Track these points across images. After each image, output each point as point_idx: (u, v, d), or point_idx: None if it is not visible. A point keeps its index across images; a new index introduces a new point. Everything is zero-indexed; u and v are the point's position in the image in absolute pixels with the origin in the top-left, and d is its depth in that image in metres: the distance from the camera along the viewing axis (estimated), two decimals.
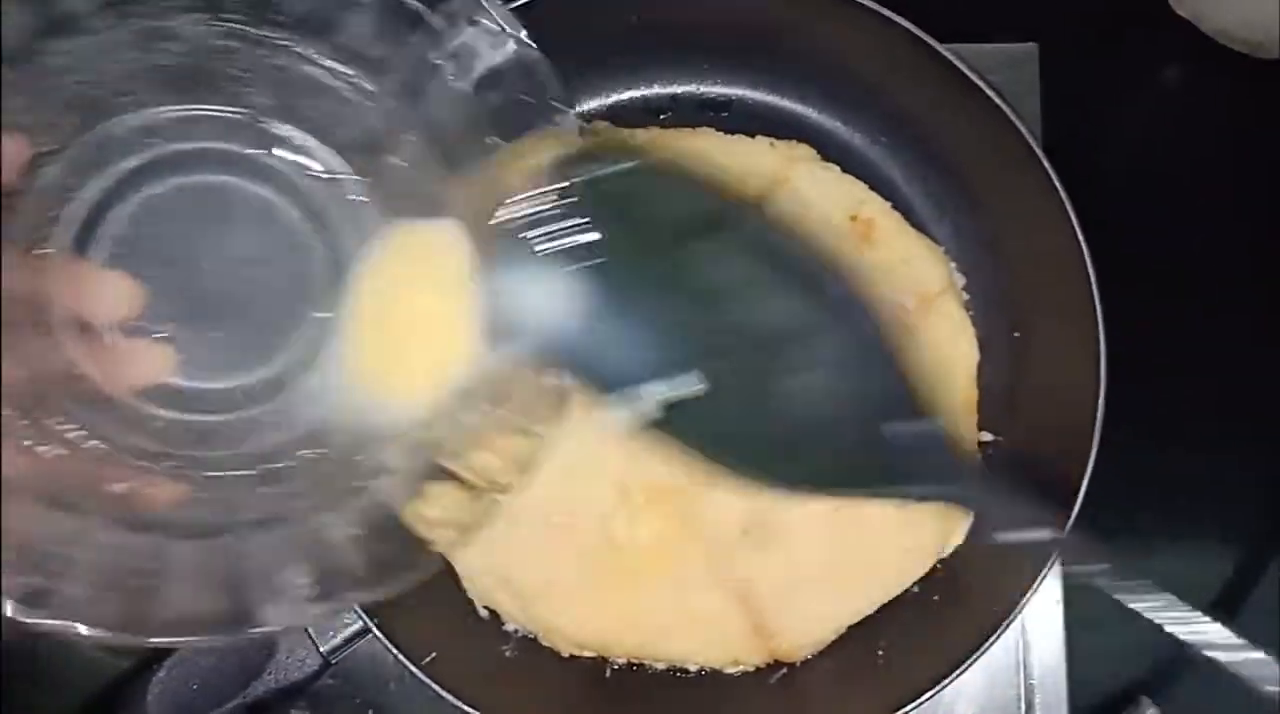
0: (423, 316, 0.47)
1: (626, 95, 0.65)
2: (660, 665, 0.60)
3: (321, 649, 0.55)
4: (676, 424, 0.44)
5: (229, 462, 0.45)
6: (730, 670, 0.59)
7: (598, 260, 0.43)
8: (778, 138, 0.62)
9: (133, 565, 0.40)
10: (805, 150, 0.62)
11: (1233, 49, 0.67)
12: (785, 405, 0.44)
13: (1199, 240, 0.67)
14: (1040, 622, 0.62)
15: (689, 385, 0.44)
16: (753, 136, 0.62)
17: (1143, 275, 0.62)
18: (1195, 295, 0.66)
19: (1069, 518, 0.54)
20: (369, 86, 0.47)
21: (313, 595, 0.41)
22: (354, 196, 0.48)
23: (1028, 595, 0.54)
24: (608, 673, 0.60)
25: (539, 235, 0.44)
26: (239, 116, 0.46)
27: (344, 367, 0.46)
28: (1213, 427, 0.64)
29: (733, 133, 0.62)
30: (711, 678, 0.60)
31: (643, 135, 0.62)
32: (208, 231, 0.47)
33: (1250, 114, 0.68)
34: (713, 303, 0.44)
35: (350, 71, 0.46)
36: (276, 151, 0.47)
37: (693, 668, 0.60)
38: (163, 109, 0.45)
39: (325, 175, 0.47)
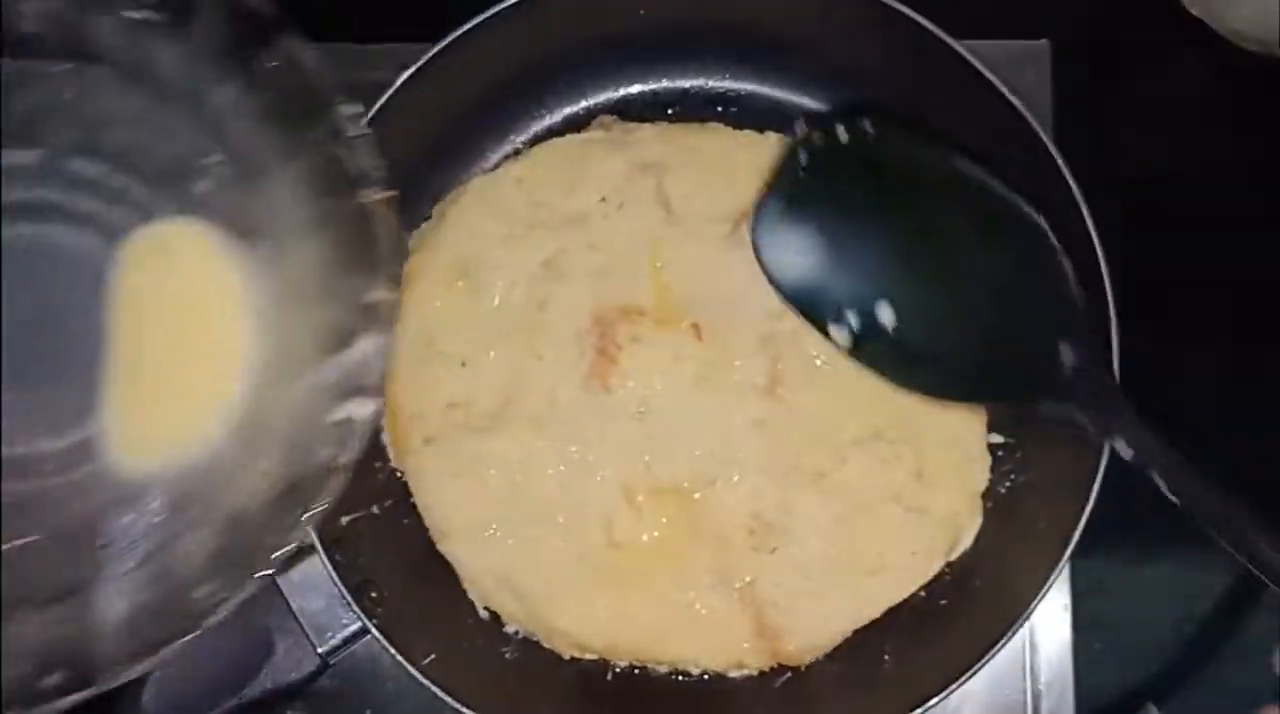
0: (178, 346, 0.45)
1: (635, 89, 0.64)
2: (662, 669, 0.59)
3: (319, 650, 0.54)
4: (878, 348, 0.53)
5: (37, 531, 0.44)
6: (734, 674, 0.59)
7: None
8: (786, 132, 0.61)
9: None
10: None
11: (1244, 48, 0.66)
12: (971, 325, 0.51)
13: (1210, 239, 0.66)
14: (1047, 626, 0.62)
15: (884, 312, 0.52)
16: (762, 132, 0.61)
17: (1154, 271, 0.61)
18: (1207, 290, 0.66)
19: (1080, 518, 0.53)
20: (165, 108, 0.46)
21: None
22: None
23: (1037, 599, 0.54)
24: (609, 676, 0.59)
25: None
26: (38, 161, 0.45)
27: (107, 418, 0.45)
28: (1224, 425, 0.64)
29: (741, 127, 0.62)
30: (715, 682, 0.59)
31: (650, 130, 0.62)
32: (24, 289, 0.45)
33: (1261, 112, 0.68)
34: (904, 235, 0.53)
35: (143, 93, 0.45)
36: (83, 198, 0.45)
37: (696, 671, 0.59)
38: None
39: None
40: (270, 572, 0.43)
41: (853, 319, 0.52)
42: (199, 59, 0.45)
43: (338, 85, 0.46)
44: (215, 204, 0.47)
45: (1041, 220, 0.52)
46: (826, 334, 0.54)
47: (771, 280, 0.56)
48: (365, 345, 0.44)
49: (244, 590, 0.42)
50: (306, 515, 0.43)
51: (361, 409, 0.44)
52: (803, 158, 0.56)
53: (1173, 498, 0.46)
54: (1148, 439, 0.47)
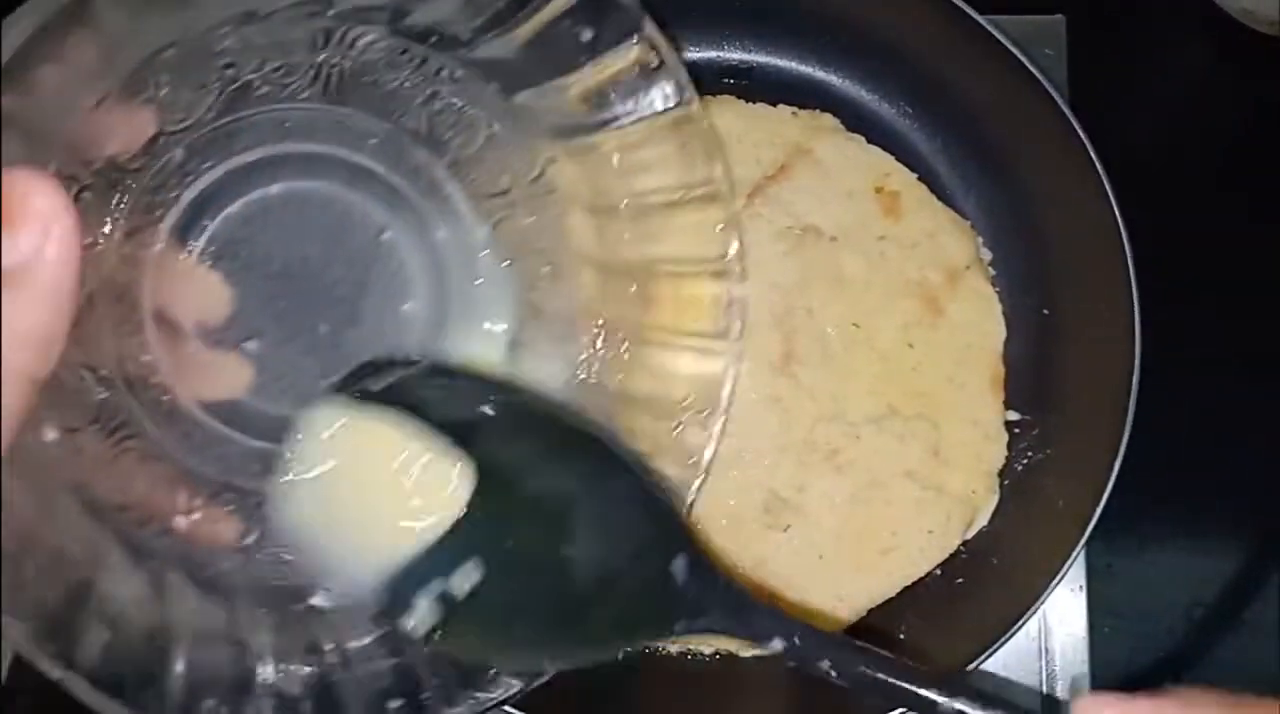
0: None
1: None
2: (673, 649, 0.58)
3: None
4: (465, 618, 0.38)
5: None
6: (745, 654, 0.58)
7: None
8: (801, 106, 0.61)
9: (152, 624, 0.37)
10: (829, 119, 0.61)
11: (1255, 29, 0.66)
12: (571, 568, 0.40)
13: (1223, 219, 0.66)
14: (1062, 607, 0.61)
15: (468, 576, 0.38)
16: (774, 105, 0.60)
17: (1167, 254, 0.61)
18: (1222, 275, 0.65)
19: (1101, 496, 0.53)
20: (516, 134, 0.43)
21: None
22: (481, 252, 0.44)
23: (1056, 579, 0.53)
24: (619, 655, 0.58)
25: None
26: (380, 130, 0.43)
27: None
28: (1242, 416, 0.63)
29: (754, 101, 0.61)
30: (726, 662, 0.58)
31: None
32: (311, 245, 0.42)
33: (1273, 92, 0.67)
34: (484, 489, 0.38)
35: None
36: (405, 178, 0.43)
37: (707, 652, 0.58)
38: (305, 106, 0.42)
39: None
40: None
41: (425, 600, 0.38)
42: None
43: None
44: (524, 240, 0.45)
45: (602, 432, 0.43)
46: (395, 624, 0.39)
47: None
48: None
49: None
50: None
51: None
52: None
53: (840, 683, 0.39)
54: (801, 630, 0.39)
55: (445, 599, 0.37)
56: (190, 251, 0.41)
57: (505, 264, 0.45)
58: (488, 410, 0.40)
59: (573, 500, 0.40)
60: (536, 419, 0.42)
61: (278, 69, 0.41)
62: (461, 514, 0.37)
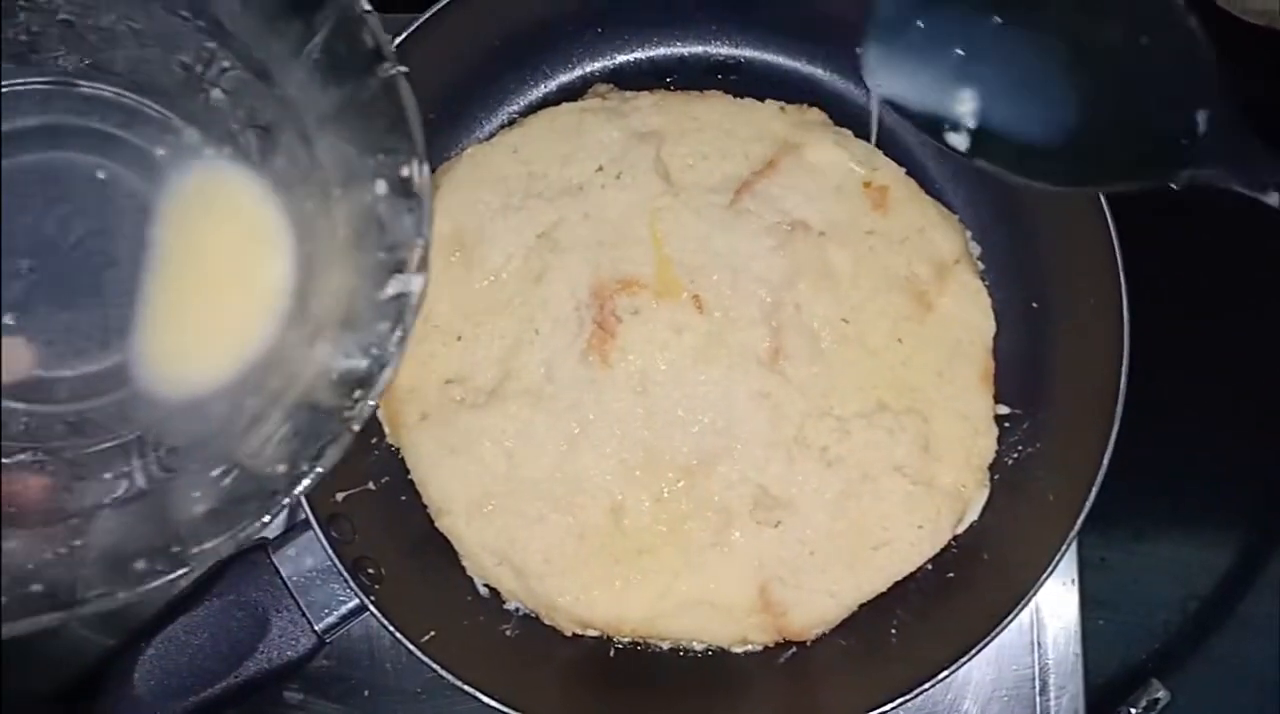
0: (215, 282, 0.46)
1: (631, 57, 0.63)
2: (665, 645, 0.58)
3: (316, 627, 0.53)
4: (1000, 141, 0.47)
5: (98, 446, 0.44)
6: (737, 650, 0.58)
7: None
8: (788, 101, 0.60)
9: None
10: (817, 114, 0.60)
11: (1244, 19, 0.66)
12: (1091, 96, 0.46)
13: (1213, 212, 0.65)
14: (1054, 601, 0.61)
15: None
16: (762, 100, 0.60)
17: (1156, 247, 0.60)
18: (1214, 268, 0.65)
19: (1090, 489, 0.52)
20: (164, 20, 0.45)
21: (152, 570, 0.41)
22: (196, 145, 0.47)
23: (1046, 573, 0.53)
24: (611, 653, 0.58)
25: None
26: (54, 86, 0.45)
27: (145, 342, 0.46)
28: (1234, 407, 0.63)
29: (742, 96, 0.61)
30: (718, 658, 0.58)
31: (648, 98, 0.61)
32: (45, 211, 0.45)
33: (1264, 84, 0.67)
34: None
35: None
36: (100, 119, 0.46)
37: (699, 648, 0.58)
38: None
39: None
40: (344, 440, 0.43)
41: (968, 119, 0.48)
42: None
43: None
44: (232, 112, 0.47)
45: None
46: (943, 142, 0.49)
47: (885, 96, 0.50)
48: (405, 221, 0.44)
49: (320, 464, 0.43)
50: (372, 393, 0.43)
51: (410, 284, 0.44)
52: None
53: None
54: None
55: (983, 119, 0.47)
56: None
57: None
58: None
59: (1098, 36, 0.46)
60: None
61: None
62: None
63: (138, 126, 0.47)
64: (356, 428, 0.43)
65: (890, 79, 0.48)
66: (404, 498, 0.58)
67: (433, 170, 0.60)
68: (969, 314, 0.58)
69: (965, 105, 0.47)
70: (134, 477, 0.45)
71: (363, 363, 0.44)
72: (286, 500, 0.42)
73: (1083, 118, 0.46)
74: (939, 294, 0.58)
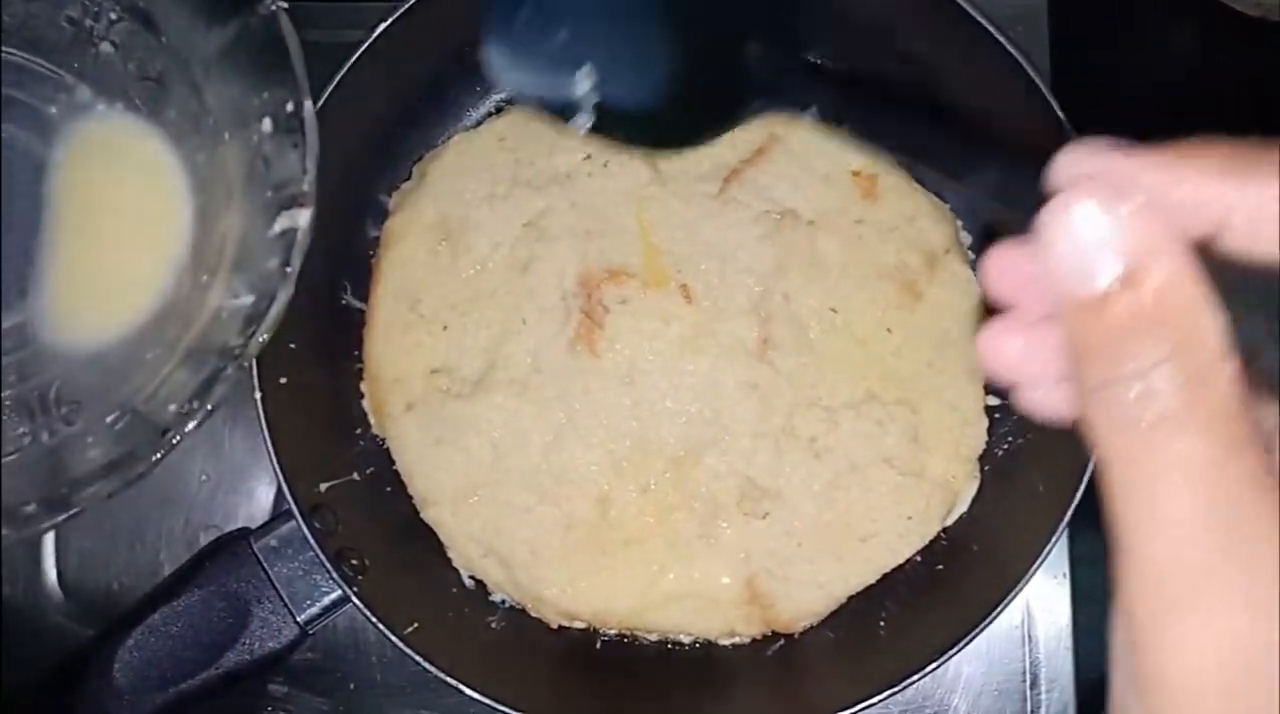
0: (115, 237, 0.47)
1: None
2: (652, 637, 0.58)
3: (298, 618, 0.52)
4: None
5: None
6: (725, 643, 0.57)
7: None
8: None
9: None
10: None
11: (1239, 9, 0.65)
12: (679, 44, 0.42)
13: None
14: (1045, 595, 0.60)
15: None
16: None
17: None
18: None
19: (1081, 480, 0.52)
20: None
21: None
22: (88, 101, 0.48)
23: (1036, 564, 0.52)
24: (598, 645, 0.58)
25: None
26: None
27: (44, 297, 0.47)
28: None
29: None
30: (706, 650, 0.58)
31: None
32: None
33: (1259, 74, 0.66)
34: None
35: None
36: None
37: (686, 640, 0.58)
38: None
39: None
40: (231, 376, 0.44)
41: (590, 98, 0.42)
42: None
43: None
44: (123, 65, 0.48)
45: None
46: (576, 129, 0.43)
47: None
48: (291, 157, 0.45)
49: (210, 400, 0.43)
50: (263, 327, 0.44)
51: (297, 218, 0.45)
52: None
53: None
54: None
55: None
56: None
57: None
58: None
59: None
60: None
61: None
62: None
63: (29, 85, 0.48)
64: (246, 365, 0.44)
65: (511, 75, 0.43)
66: (389, 489, 0.58)
67: (420, 159, 0.60)
68: (959, 304, 0.58)
69: (583, 85, 0.42)
70: (38, 434, 0.46)
71: (251, 299, 0.44)
72: (177, 439, 0.43)
73: (674, 72, 0.43)
74: (929, 284, 0.58)
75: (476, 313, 0.58)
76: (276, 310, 0.44)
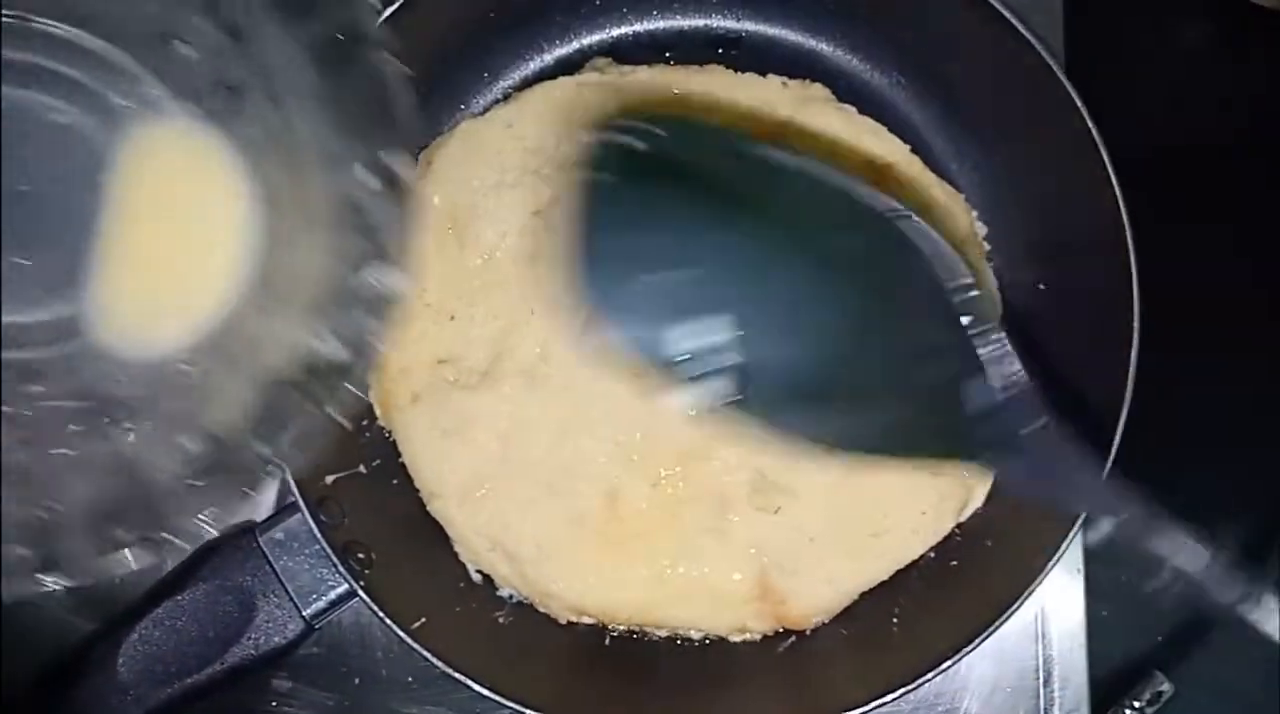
0: (174, 242, 0.45)
1: (629, 29, 0.62)
2: (662, 633, 0.57)
3: (304, 613, 0.52)
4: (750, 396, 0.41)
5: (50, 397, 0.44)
6: (736, 639, 0.57)
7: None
8: (790, 76, 0.59)
9: None
10: (819, 90, 0.59)
11: (1256, 1, 0.64)
12: (854, 359, 0.40)
13: (1224, 190, 0.64)
14: (1059, 591, 0.60)
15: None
16: (764, 75, 0.59)
17: (1166, 226, 0.59)
18: (1224, 248, 0.64)
19: (1100, 473, 0.51)
20: None
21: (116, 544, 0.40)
22: (159, 99, 0.46)
23: (1051, 562, 0.52)
24: (607, 641, 0.57)
25: None
26: (17, 20, 0.44)
27: (100, 297, 0.45)
28: (1246, 393, 0.62)
29: (743, 71, 0.59)
30: (717, 647, 0.57)
31: (645, 74, 0.59)
32: (6, 150, 0.44)
33: (1271, 63, 0.66)
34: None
35: None
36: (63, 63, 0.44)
37: (696, 636, 0.57)
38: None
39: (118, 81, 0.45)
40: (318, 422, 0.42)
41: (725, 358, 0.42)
42: None
43: None
44: (200, 69, 0.46)
45: (917, 222, 0.41)
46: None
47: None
48: (385, 209, 0.43)
49: (298, 443, 0.42)
50: (348, 378, 0.42)
51: (387, 275, 0.43)
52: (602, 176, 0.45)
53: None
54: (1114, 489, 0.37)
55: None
56: None
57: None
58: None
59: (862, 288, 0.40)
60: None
61: None
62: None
63: (102, 74, 0.46)
64: (331, 412, 0.42)
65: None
66: (395, 481, 0.57)
67: (425, 146, 0.59)
68: None
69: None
70: (96, 437, 0.44)
71: (335, 347, 0.43)
72: (265, 476, 0.41)
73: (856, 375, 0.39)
74: None
75: (484, 303, 0.57)
76: (362, 368, 0.42)
